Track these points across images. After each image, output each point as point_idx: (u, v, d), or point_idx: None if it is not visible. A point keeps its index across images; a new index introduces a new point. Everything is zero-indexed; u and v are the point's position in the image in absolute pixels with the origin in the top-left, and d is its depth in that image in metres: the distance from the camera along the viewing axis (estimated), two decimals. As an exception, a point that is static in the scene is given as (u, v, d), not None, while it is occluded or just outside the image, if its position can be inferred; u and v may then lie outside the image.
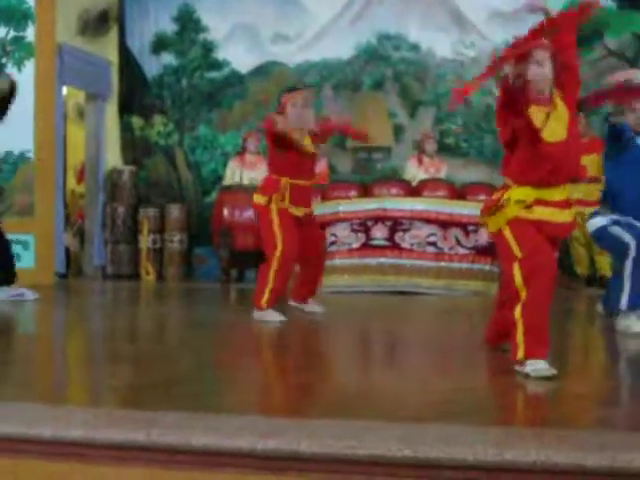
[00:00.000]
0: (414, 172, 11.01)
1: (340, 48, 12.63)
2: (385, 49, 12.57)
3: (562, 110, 4.59)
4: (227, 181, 11.58)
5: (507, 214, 4.56)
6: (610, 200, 6.82)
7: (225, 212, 11.13)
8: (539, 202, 4.58)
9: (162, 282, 11.81)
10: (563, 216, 4.67)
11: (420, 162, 11.05)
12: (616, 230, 6.75)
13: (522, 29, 4.63)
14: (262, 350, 5.74)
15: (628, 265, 6.68)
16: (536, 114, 4.51)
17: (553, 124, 4.53)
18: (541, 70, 4.50)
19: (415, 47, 12.49)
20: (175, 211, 12.15)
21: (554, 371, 4.27)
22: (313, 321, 7.07)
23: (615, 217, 6.77)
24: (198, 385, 4.23)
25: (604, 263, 10.20)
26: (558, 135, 4.55)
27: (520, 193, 4.57)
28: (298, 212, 7.14)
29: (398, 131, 12.31)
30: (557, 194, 4.63)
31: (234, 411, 3.46)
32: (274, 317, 6.86)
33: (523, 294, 4.38)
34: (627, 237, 6.66)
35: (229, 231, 11.01)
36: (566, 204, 4.68)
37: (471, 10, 12.38)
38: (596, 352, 6.05)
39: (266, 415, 3.39)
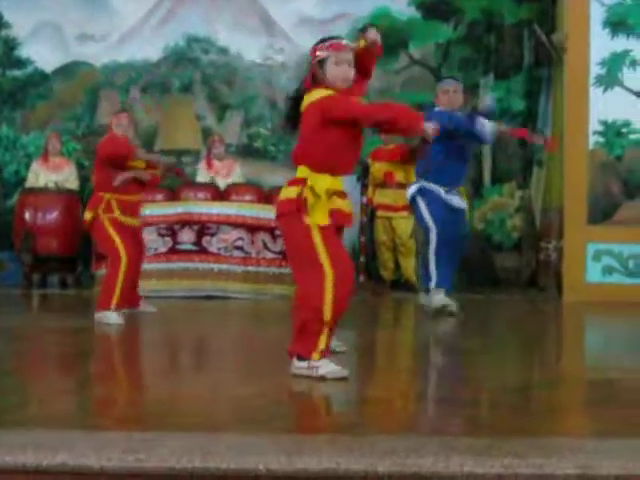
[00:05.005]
0: (204, 175, 10.96)
1: (148, 49, 12.46)
2: (194, 52, 12.48)
3: None
4: (30, 183, 11.22)
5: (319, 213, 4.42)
6: None
7: (27, 215, 10.78)
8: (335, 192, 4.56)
9: (-40, 289, 11.32)
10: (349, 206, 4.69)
11: (209, 165, 11.01)
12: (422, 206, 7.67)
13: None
14: (63, 359, 5.51)
15: (432, 250, 7.58)
16: None
17: None
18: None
19: (224, 50, 12.45)
20: (-26, 214, 11.68)
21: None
22: (119, 329, 6.91)
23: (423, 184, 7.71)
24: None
25: (409, 268, 10.45)
26: None
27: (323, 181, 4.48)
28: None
29: (207, 134, 12.22)
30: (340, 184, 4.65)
31: (22, 425, 3.32)
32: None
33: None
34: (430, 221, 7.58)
35: (31, 235, 10.66)
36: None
37: (280, 15, 12.46)
38: (397, 357, 6.16)
39: (55, 429, 3.25)
